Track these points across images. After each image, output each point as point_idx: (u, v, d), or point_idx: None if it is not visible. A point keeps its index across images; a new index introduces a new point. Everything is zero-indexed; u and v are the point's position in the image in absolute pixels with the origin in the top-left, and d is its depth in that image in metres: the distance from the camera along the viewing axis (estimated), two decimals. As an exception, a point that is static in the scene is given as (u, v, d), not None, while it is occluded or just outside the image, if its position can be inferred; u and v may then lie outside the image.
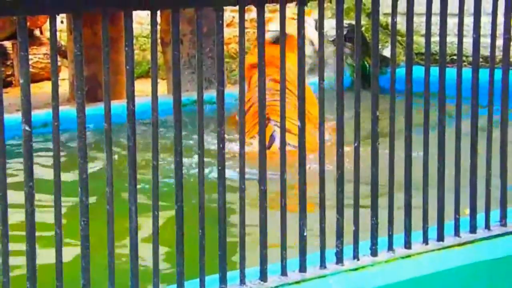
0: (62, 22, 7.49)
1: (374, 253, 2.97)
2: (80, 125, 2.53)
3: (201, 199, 2.69)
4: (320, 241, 2.88)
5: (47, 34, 8.92)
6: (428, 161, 3.06)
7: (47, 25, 8.85)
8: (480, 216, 3.19)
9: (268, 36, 6.14)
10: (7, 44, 8.31)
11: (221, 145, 2.73)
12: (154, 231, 2.62)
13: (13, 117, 5.00)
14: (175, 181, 2.65)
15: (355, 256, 2.94)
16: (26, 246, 2.43)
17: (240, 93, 2.79)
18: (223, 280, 2.71)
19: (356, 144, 2.93)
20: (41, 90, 7.67)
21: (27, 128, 2.44)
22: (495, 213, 3.23)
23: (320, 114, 2.90)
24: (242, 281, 2.75)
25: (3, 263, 2.41)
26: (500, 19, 3.18)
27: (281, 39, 2.82)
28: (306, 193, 2.84)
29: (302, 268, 2.85)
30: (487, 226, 3.22)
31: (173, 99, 2.66)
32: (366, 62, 6.77)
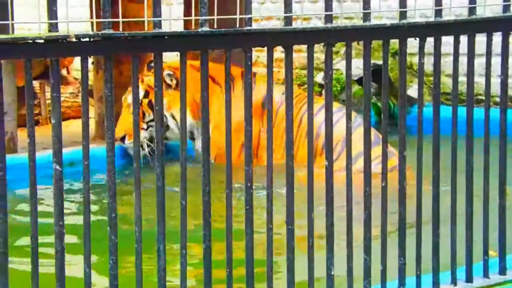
0: (92, 63, 7.58)
1: (402, 293, 2.96)
2: (110, 164, 2.55)
3: (228, 239, 2.69)
4: (348, 281, 2.87)
5: (73, 73, 9.03)
6: (456, 201, 3.05)
7: (73, 65, 8.95)
8: (510, 258, 3.16)
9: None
10: (35, 83, 8.41)
11: (248, 184, 2.74)
12: (182, 270, 2.63)
13: (39, 155, 5.00)
14: (203, 221, 2.66)
15: (383, 297, 2.92)
16: (56, 285, 2.45)
17: (268, 132, 2.80)
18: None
19: (383, 184, 2.92)
20: (67, 128, 7.74)
21: (57, 167, 2.47)
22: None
23: (347, 154, 2.90)
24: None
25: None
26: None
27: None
28: (333, 233, 2.84)
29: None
30: (517, 268, 3.19)
31: (202, 138, 2.68)
32: (390, 102, 6.79)
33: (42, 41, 2.36)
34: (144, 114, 5.98)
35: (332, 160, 2.86)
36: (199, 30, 2.62)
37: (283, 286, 2.79)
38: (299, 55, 8.23)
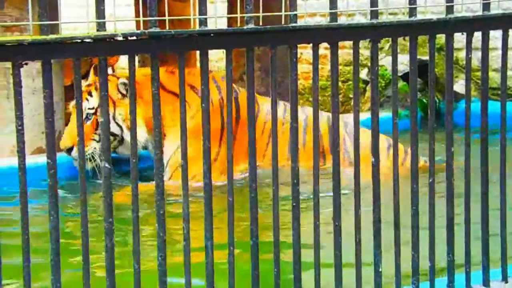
0: (139, 61, 7.64)
1: (450, 290, 2.93)
2: (157, 162, 2.57)
3: (275, 236, 2.70)
4: (396, 278, 2.85)
5: (119, 72, 9.10)
6: (506, 197, 3.02)
7: (119, 63, 9.03)
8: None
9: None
10: (82, 82, 8.50)
11: (295, 181, 2.74)
12: (230, 269, 2.64)
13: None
14: (250, 217, 2.67)
15: (432, 294, 2.91)
16: (106, 281, 2.48)
17: (314, 123, 2.79)
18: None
19: (431, 180, 2.90)
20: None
21: (106, 165, 2.50)
22: None
23: (394, 152, 2.88)
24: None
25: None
26: None
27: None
28: (380, 230, 2.83)
29: (378, 305, 2.83)
30: None
31: (248, 135, 2.69)
32: (436, 98, 6.75)
33: (90, 40, 2.38)
34: (98, 124, 5.55)
35: (379, 156, 2.85)
36: (245, 27, 2.63)
37: (331, 283, 2.79)
38: (343, 51, 8.21)
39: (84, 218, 2.45)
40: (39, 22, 2.30)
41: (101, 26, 2.41)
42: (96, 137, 5.56)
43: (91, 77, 5.75)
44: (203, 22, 2.58)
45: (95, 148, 5.52)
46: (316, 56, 2.76)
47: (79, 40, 2.38)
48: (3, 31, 5.68)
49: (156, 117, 2.58)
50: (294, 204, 2.72)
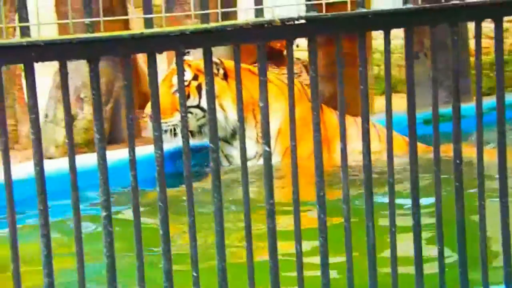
0: (297, 46, 7.70)
1: None
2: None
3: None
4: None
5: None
6: None
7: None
8: None
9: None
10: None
11: (457, 161, 2.69)
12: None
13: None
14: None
15: None
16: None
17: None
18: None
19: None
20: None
21: (267, 148, 2.54)
22: None
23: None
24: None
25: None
26: None
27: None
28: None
29: None
30: None
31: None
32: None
33: (249, 27, 2.45)
34: (189, 97, 5.33)
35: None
36: (403, 6, 2.60)
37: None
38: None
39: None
40: (200, 11, 2.39)
41: (259, 12, 2.47)
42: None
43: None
44: (360, 4, 2.57)
45: (179, 121, 5.27)
46: (478, 33, 2.69)
47: (238, 27, 2.44)
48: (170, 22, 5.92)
49: (314, 98, 2.59)
50: (457, 184, 2.68)
